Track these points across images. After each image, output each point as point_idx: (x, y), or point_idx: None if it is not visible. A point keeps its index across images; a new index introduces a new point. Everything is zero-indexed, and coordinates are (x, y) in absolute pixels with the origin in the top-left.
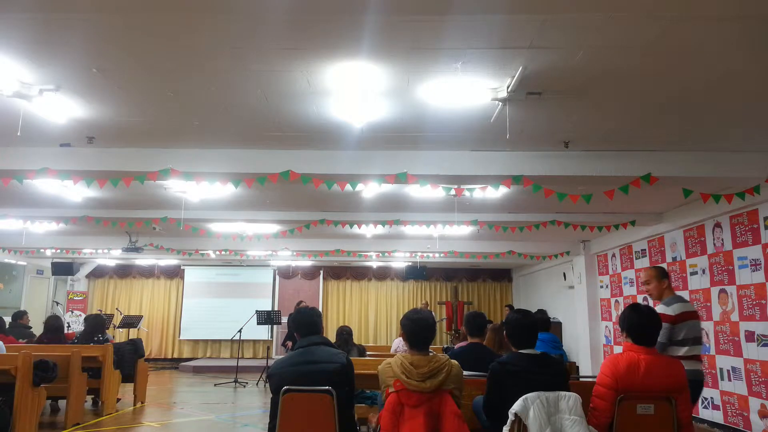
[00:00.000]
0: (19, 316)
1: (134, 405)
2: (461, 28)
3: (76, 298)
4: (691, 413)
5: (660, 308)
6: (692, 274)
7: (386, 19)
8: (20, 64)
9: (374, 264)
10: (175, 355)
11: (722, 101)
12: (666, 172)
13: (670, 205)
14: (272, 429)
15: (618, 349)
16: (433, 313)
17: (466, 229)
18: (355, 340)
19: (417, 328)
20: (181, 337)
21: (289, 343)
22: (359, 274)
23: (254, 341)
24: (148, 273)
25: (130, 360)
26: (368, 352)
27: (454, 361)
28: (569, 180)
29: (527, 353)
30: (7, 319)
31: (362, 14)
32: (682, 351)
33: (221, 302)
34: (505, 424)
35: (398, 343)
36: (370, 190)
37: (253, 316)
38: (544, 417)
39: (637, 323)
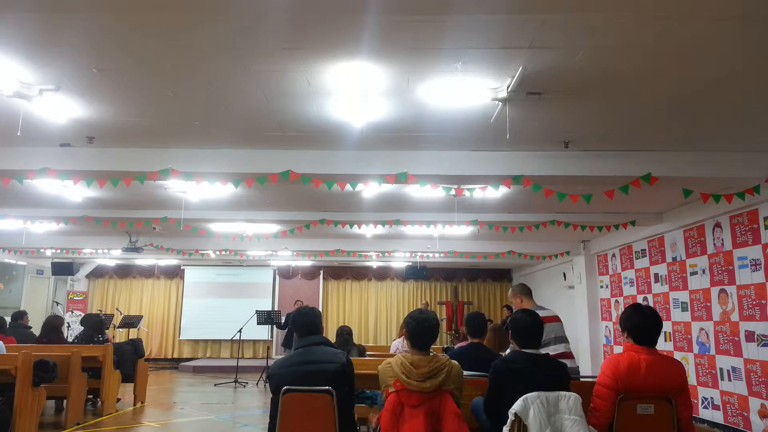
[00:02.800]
0: (19, 316)
1: (134, 405)
2: (461, 28)
3: (76, 298)
4: (691, 413)
5: None
6: (692, 274)
7: (386, 19)
8: (20, 64)
9: (374, 264)
10: (175, 355)
11: (722, 101)
12: (666, 172)
13: (670, 205)
14: (272, 429)
15: (618, 349)
16: (435, 313)
17: (466, 229)
18: (355, 340)
19: (421, 329)
20: (181, 337)
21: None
22: (359, 274)
23: (254, 341)
24: (148, 273)
25: (130, 360)
26: (368, 352)
27: (455, 362)
28: (569, 180)
29: (530, 353)
30: (7, 320)
31: (362, 14)
32: (549, 349)
33: (221, 302)
34: (505, 423)
35: (397, 344)
36: (370, 190)
37: (253, 316)
38: (544, 417)
39: (640, 324)
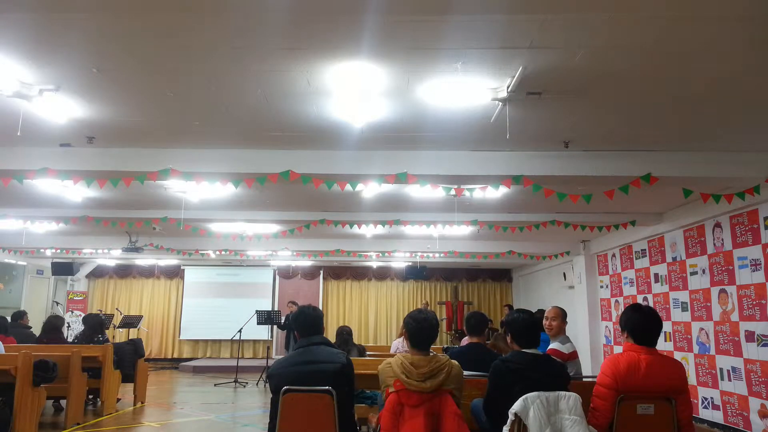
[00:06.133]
0: (19, 316)
1: (134, 405)
2: (461, 28)
3: (76, 298)
4: (691, 413)
5: (556, 345)
6: (692, 274)
7: (386, 19)
8: (20, 64)
9: (374, 264)
10: (175, 355)
11: (722, 101)
12: (666, 172)
13: (670, 205)
14: (272, 429)
15: (618, 349)
16: (435, 313)
17: (466, 229)
18: (355, 340)
19: (420, 329)
20: (181, 337)
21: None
22: (359, 274)
23: (254, 341)
24: (148, 273)
25: (130, 360)
26: (368, 352)
27: (455, 362)
28: (569, 180)
29: (530, 352)
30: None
31: (362, 14)
32: None
33: (221, 302)
34: (505, 423)
35: (397, 344)
36: (370, 190)
37: (253, 316)
38: (544, 417)
39: (641, 324)
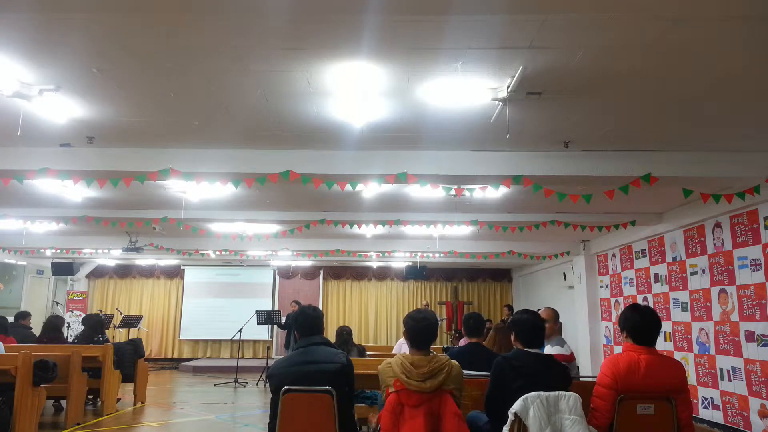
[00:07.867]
0: (21, 316)
1: (134, 405)
2: (461, 28)
3: (76, 298)
4: (691, 413)
5: (556, 349)
6: (692, 274)
7: (386, 19)
8: (20, 64)
9: (374, 264)
10: (175, 355)
11: (722, 101)
12: (666, 172)
13: (670, 205)
14: (272, 429)
15: (618, 349)
16: (435, 313)
17: (466, 229)
18: (355, 340)
19: (418, 329)
20: (181, 337)
21: None
22: (359, 274)
23: (254, 341)
24: (148, 273)
25: (130, 360)
26: (368, 352)
27: (455, 362)
28: (569, 180)
29: (533, 352)
30: (11, 320)
31: (362, 14)
32: None
33: (221, 302)
34: (505, 423)
35: (402, 344)
36: (370, 190)
37: (253, 316)
38: (544, 417)
39: (640, 324)
